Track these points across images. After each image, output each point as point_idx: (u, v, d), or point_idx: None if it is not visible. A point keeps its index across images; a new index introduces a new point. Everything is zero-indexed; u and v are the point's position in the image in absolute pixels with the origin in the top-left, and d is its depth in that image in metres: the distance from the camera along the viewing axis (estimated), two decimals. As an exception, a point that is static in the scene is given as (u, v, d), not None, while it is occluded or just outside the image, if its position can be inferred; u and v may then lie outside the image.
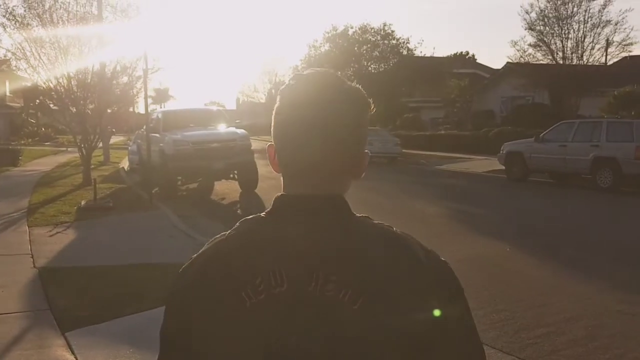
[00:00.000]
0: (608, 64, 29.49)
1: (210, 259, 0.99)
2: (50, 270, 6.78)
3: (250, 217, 1.03)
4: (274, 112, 1.03)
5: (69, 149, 28.02)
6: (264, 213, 1.02)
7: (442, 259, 1.00)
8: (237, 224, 1.03)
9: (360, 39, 30.42)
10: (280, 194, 1.02)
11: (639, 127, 13.43)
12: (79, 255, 7.65)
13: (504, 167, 17.10)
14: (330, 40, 30.95)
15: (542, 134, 15.49)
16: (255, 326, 0.91)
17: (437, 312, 0.92)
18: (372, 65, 30.64)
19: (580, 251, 7.89)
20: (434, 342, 0.92)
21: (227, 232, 1.03)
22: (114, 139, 32.60)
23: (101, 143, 20.51)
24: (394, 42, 30.28)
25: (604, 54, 29.14)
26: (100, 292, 5.78)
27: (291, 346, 0.90)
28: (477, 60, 47.67)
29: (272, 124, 1.03)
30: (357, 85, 1.02)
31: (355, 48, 30.08)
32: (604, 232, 9.27)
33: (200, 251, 1.03)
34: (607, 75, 27.67)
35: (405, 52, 30.38)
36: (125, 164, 23.28)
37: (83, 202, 12.00)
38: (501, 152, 16.65)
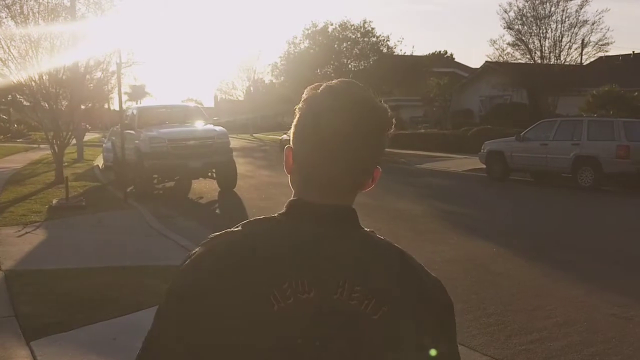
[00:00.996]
0: (584, 64, 29.70)
1: (229, 258, 0.97)
2: (17, 273, 6.40)
3: (262, 217, 1.03)
4: (298, 116, 1.04)
5: (41, 146, 27.34)
6: (277, 214, 1.03)
7: (434, 275, 1.07)
8: (246, 222, 1.02)
9: (340, 36, 30.15)
10: (294, 198, 1.03)
11: (620, 125, 13.42)
12: (48, 257, 7.28)
13: (484, 166, 17.02)
14: (310, 37, 30.63)
15: (523, 133, 15.42)
16: (282, 329, 0.93)
17: (437, 328, 1.00)
18: (352, 63, 30.39)
19: (567, 252, 7.74)
20: (429, 343, 0.99)
21: (236, 230, 1.01)
22: (88, 136, 31.93)
23: (75, 140, 19.98)
24: (374, 39, 30.06)
25: (582, 53, 29.34)
26: (69, 297, 5.44)
27: (315, 350, 0.92)
28: (456, 60, 47.82)
29: (295, 129, 1.04)
30: (384, 104, 1.04)
31: (335, 45, 29.81)
32: (589, 233, 9.17)
33: (203, 248, 1.00)
34: (583, 75, 27.85)
35: (385, 50, 30.17)
36: (99, 161, 22.77)
37: (54, 201, 11.57)
38: (482, 150, 16.56)
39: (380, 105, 1.03)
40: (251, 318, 0.92)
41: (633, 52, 35.75)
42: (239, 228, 1.02)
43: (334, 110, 1.00)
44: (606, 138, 13.48)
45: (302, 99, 1.05)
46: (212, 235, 1.03)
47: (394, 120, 1.05)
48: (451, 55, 49.58)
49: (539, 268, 6.98)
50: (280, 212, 1.03)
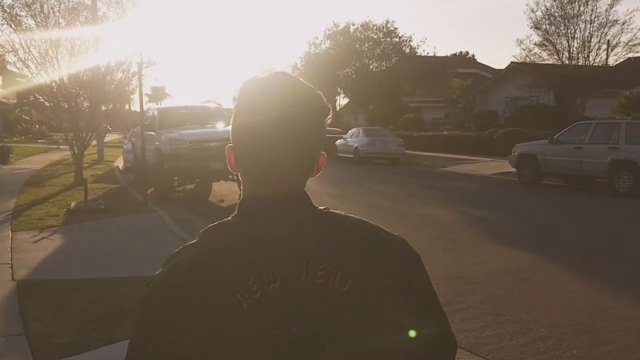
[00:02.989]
0: (611, 65, 28.89)
1: (193, 267, 0.97)
2: (30, 283, 6.02)
3: (217, 223, 1.03)
4: (233, 115, 1.04)
5: (61, 147, 27.25)
6: (230, 217, 1.03)
7: (396, 234, 1.08)
8: (202, 231, 1.03)
9: (362, 36, 29.62)
10: (244, 197, 1.04)
11: (661, 129, 12.74)
12: (64, 265, 6.91)
13: (514, 170, 16.42)
14: (331, 38, 30.14)
15: (556, 136, 14.79)
16: (256, 325, 0.93)
17: (409, 285, 1.02)
18: (373, 64, 29.85)
19: (619, 265, 7.18)
20: (411, 309, 1.01)
21: (195, 241, 1.02)
22: (109, 137, 31.86)
23: (95, 141, 19.75)
24: (397, 40, 29.49)
25: (608, 54, 28.52)
26: (84, 313, 5.03)
27: (294, 336, 0.93)
28: (477, 60, 47.06)
29: (233, 128, 1.04)
30: (313, 87, 1.04)
31: (357, 46, 29.29)
32: (636, 243, 8.53)
33: (170, 261, 1.01)
34: (612, 77, 27.05)
35: (407, 51, 29.58)
36: (120, 163, 22.56)
37: (73, 204, 11.25)
38: (512, 154, 15.94)
39: (310, 88, 1.03)
40: (224, 322, 0.92)
41: (663, 53, 34.71)
42: (196, 240, 1.02)
43: (263, 100, 1.00)
44: (646, 142, 12.82)
45: (235, 96, 1.05)
46: (172, 252, 1.03)
47: (329, 105, 1.05)
48: (473, 56, 48.86)
49: (590, 283, 6.43)
50: (233, 214, 1.03)
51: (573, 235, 8.97)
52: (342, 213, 1.06)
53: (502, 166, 19.02)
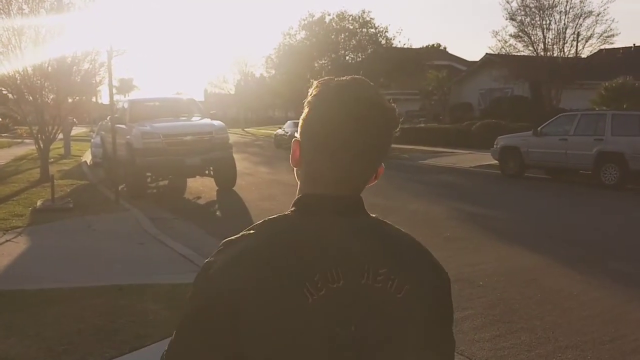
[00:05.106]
0: (584, 56, 28.92)
1: (262, 257, 0.97)
2: (-7, 295, 5.41)
3: (276, 216, 1.03)
4: (307, 111, 1.04)
5: (25, 141, 26.20)
6: (289, 212, 1.04)
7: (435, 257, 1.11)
8: (261, 223, 1.03)
9: (338, 26, 29.08)
10: (304, 194, 1.05)
11: (648, 119, 12.55)
12: (31, 273, 6.28)
13: (495, 162, 16.14)
14: (306, 28, 29.51)
15: (540, 127, 14.52)
16: (319, 320, 0.95)
17: (444, 306, 1.07)
18: (349, 55, 29.36)
19: (623, 263, 6.85)
20: (440, 322, 1.06)
21: (252, 231, 1.01)
22: (75, 130, 30.75)
23: (61, 135, 18.89)
24: (373, 30, 29.03)
25: (584, 45, 28.56)
26: (55, 330, 4.45)
27: (353, 335, 0.95)
28: (450, 52, 46.94)
29: (303, 124, 1.05)
30: (393, 105, 1.05)
31: (333, 36, 28.74)
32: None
33: (230, 250, 1.00)
34: (585, 68, 27.07)
35: (383, 42, 29.16)
36: (87, 157, 21.72)
37: (39, 203, 10.55)
38: (495, 146, 15.64)
39: (388, 104, 1.05)
40: (290, 314, 0.94)
41: (634, 44, 35.04)
42: (253, 231, 1.02)
43: (346, 109, 1.00)
44: (632, 133, 12.59)
45: (312, 94, 1.05)
46: (227, 240, 1.02)
47: (401, 119, 1.08)
48: (445, 48, 48.77)
49: (599, 283, 6.07)
50: (291, 209, 1.04)
51: (570, 231, 8.64)
52: (393, 225, 1.09)
53: (482, 158, 18.76)
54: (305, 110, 1.05)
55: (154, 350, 4.16)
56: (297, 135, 1.06)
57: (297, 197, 1.06)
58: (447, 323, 1.08)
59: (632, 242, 7.95)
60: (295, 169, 1.09)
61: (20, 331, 4.42)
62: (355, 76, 1.07)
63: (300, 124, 1.06)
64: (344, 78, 1.06)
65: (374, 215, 1.07)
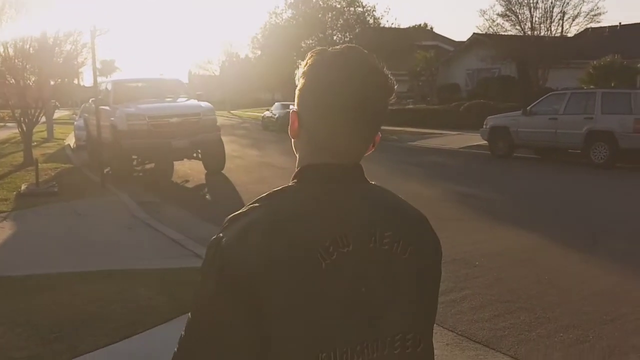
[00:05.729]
0: (570, 36, 28.88)
1: (275, 228, 0.98)
2: (-22, 282, 5.24)
3: (280, 187, 1.05)
4: (304, 82, 1.05)
5: (8, 125, 25.73)
6: (292, 183, 1.06)
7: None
8: (265, 195, 1.03)
9: (325, 5, 28.69)
10: (307, 164, 1.06)
11: (638, 97, 12.51)
12: (17, 260, 6.11)
13: (484, 143, 16.09)
14: (293, 7, 29.11)
15: (529, 107, 14.46)
16: (333, 284, 0.98)
17: (438, 265, 1.13)
18: (337, 34, 29.02)
19: (618, 241, 6.80)
20: (433, 285, 1.11)
21: (257, 204, 1.02)
22: (58, 113, 30.26)
23: (44, 118, 18.54)
24: (360, 9, 28.70)
25: (571, 24, 28.52)
26: (44, 318, 4.31)
27: (364, 296, 0.99)
28: (436, 32, 46.69)
29: (301, 94, 1.06)
30: (387, 72, 1.06)
31: (320, 15, 28.36)
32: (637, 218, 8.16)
33: (238, 223, 1.00)
34: (571, 47, 27.01)
35: (371, 21, 28.84)
36: (71, 140, 21.38)
37: (23, 187, 10.34)
38: (484, 126, 15.57)
39: (382, 69, 1.06)
40: (306, 279, 0.96)
41: (620, 23, 35.05)
42: (258, 204, 1.02)
43: (344, 77, 1.01)
44: (622, 111, 12.56)
45: (307, 64, 1.06)
46: (231, 216, 1.02)
47: (395, 85, 1.08)
48: (431, 28, 48.51)
49: (596, 262, 6.02)
50: (293, 181, 1.06)
51: (564, 210, 8.59)
52: (391, 191, 1.11)
53: (471, 139, 18.71)
54: (301, 81, 1.06)
55: (148, 337, 4.05)
56: (295, 106, 1.07)
57: (297, 168, 1.07)
58: (437, 288, 1.13)
59: (626, 220, 7.92)
60: (293, 140, 1.09)
61: (10, 319, 4.28)
62: (349, 44, 1.08)
63: (297, 95, 1.07)
64: (337, 47, 1.07)
65: (373, 183, 1.09)
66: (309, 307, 0.96)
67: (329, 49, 1.07)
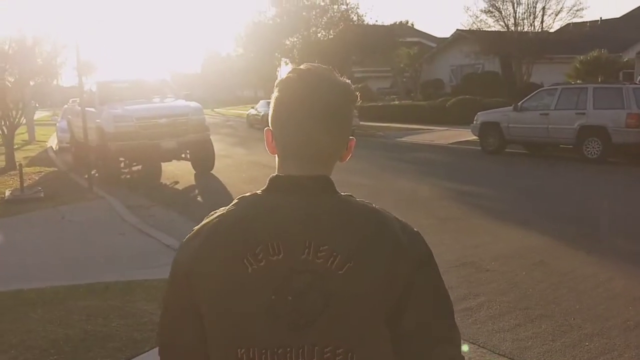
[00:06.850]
0: (552, 31, 28.96)
1: (214, 230, 1.10)
2: (-35, 298, 4.93)
3: (248, 194, 1.14)
4: (273, 100, 1.14)
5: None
6: (260, 191, 1.13)
7: (415, 229, 1.14)
8: (235, 200, 1.14)
9: (309, 2, 28.40)
10: (274, 174, 1.14)
11: (630, 92, 12.44)
12: (6, 272, 5.80)
13: (473, 138, 16.00)
14: (277, 5, 28.77)
15: (520, 102, 14.36)
16: (257, 289, 1.04)
17: (408, 278, 1.07)
18: (320, 32, 28.75)
19: (629, 241, 6.67)
20: (406, 303, 1.07)
21: (227, 207, 1.13)
22: (38, 114, 29.59)
23: (25, 120, 18.04)
24: (344, 7, 28.47)
25: (554, 19, 28.58)
26: (37, 339, 4.02)
27: (289, 305, 1.03)
28: (417, 29, 46.58)
29: (272, 111, 1.15)
30: (347, 81, 1.15)
31: (304, 13, 28.08)
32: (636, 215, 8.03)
33: (202, 223, 1.14)
34: (554, 42, 27.07)
35: (355, 19, 28.63)
36: (53, 142, 20.87)
37: (8, 193, 9.98)
38: (475, 122, 15.44)
39: (344, 81, 1.14)
40: (230, 282, 1.05)
41: (600, 18, 35.32)
42: (231, 205, 1.14)
43: (305, 87, 1.11)
44: (615, 106, 12.49)
45: (275, 85, 1.15)
46: (211, 213, 1.16)
47: (357, 93, 1.15)
48: (412, 24, 48.45)
49: (610, 263, 5.85)
50: (262, 189, 1.13)
51: (563, 207, 8.45)
52: (360, 201, 1.12)
53: (459, 135, 18.62)
54: (272, 100, 1.15)
55: (154, 357, 3.79)
56: (269, 124, 1.15)
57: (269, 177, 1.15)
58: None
59: (628, 217, 7.79)
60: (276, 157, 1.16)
61: (2, 340, 3.99)
62: (314, 63, 1.17)
63: (270, 113, 1.15)
64: (302, 65, 1.16)
65: (344, 194, 1.12)
66: (231, 304, 1.05)
67: (292, 71, 1.15)
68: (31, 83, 16.32)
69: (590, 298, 4.92)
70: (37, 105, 30.81)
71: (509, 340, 4.17)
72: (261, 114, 25.28)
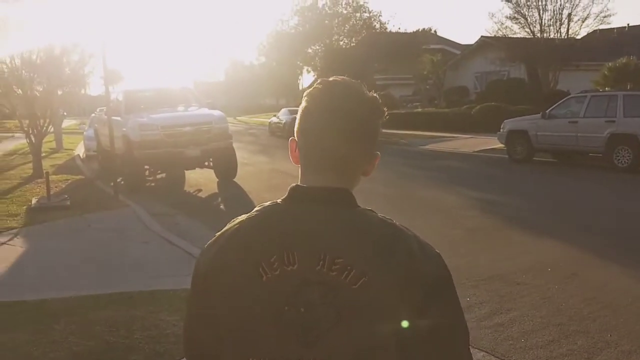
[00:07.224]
0: (579, 37, 28.55)
1: (232, 237, 1.11)
2: (-11, 308, 4.93)
3: (268, 203, 1.14)
4: (300, 110, 1.15)
5: (15, 135, 25.52)
6: (280, 200, 1.12)
7: (436, 251, 1.10)
8: (256, 208, 1.14)
9: (331, 11, 28.41)
10: (295, 184, 1.13)
11: (661, 100, 12.14)
12: (31, 281, 5.80)
13: (499, 146, 15.77)
14: (299, 14, 28.83)
15: (549, 110, 14.10)
16: (270, 297, 1.03)
17: (422, 306, 1.02)
18: (343, 40, 28.72)
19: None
20: (419, 333, 1.02)
21: (247, 215, 1.14)
22: (65, 123, 30.03)
23: (52, 128, 18.30)
24: (367, 15, 28.41)
25: (581, 26, 28.17)
26: (61, 350, 3.99)
27: (301, 316, 1.02)
28: (440, 36, 46.35)
29: (298, 121, 1.15)
30: (375, 95, 1.14)
31: (326, 21, 28.09)
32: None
33: (223, 229, 1.15)
34: (580, 49, 26.68)
35: (377, 26, 28.55)
36: (80, 150, 21.13)
37: (34, 200, 10.05)
38: (502, 130, 15.21)
39: (371, 96, 1.13)
40: (245, 289, 1.05)
41: (628, 24, 34.70)
42: (252, 212, 1.14)
43: (332, 100, 1.10)
44: (646, 114, 12.20)
45: (303, 95, 1.16)
46: (233, 219, 1.16)
47: (385, 109, 1.14)
48: (435, 31, 48.22)
49: (644, 277, 5.66)
50: (282, 197, 1.13)
51: (597, 218, 8.22)
52: (380, 216, 1.10)
53: (485, 142, 18.38)
54: (299, 111, 1.15)
55: (177, 370, 3.72)
56: (295, 135, 1.15)
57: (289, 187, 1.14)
58: (431, 329, 1.03)
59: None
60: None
61: (25, 353, 3.96)
62: (343, 77, 1.15)
63: (296, 123, 1.15)
64: (330, 78, 1.15)
65: (366, 209, 1.10)
66: (244, 311, 1.05)
67: (321, 79, 1.15)
68: (59, 92, 16.53)
69: (626, 313, 4.73)
70: (65, 113, 31.30)
71: (543, 358, 4.02)
72: (283, 122, 25.31)
